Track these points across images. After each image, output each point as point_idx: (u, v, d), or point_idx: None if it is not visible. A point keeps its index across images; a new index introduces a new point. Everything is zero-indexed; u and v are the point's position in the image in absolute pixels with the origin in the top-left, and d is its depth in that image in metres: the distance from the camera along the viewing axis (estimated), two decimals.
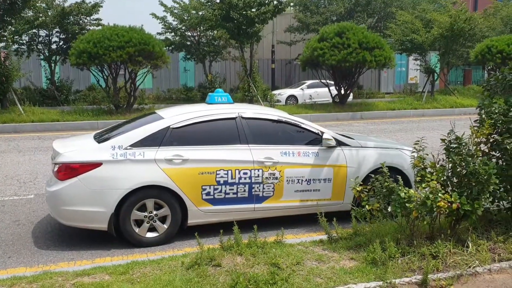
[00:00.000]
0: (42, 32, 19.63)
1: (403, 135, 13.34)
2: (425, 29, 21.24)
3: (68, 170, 5.00)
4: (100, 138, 5.54)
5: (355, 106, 19.48)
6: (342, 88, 19.38)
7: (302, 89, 23.78)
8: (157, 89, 23.99)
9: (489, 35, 23.50)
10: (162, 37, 23.24)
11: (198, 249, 4.44)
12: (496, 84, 5.02)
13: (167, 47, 22.33)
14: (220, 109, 5.82)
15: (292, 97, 23.35)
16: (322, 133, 5.84)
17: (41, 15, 18.63)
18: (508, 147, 4.53)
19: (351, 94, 20.76)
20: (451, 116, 17.72)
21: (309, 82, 24.39)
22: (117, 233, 5.17)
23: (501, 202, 4.86)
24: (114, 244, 5.25)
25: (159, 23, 23.20)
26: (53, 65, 19.87)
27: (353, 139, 6.16)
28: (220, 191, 5.35)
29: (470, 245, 4.43)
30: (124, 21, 47.16)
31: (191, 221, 5.35)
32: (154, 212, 5.20)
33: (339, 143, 5.87)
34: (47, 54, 19.75)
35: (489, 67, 21.31)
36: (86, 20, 20.01)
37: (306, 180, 5.65)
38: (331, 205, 5.81)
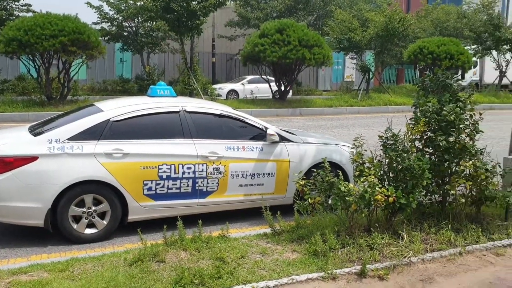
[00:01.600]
0: None
1: (340, 131, 13.75)
2: (361, 28, 21.94)
3: (1, 164, 4.73)
4: (36, 131, 5.29)
5: (295, 102, 19.82)
6: (282, 85, 19.63)
7: (243, 84, 23.84)
8: (92, 80, 23.08)
9: (421, 36, 24.69)
10: (98, 27, 22.44)
11: (140, 245, 4.36)
12: (430, 84, 5.30)
13: (103, 37, 21.58)
14: (162, 102, 5.73)
15: (233, 91, 23.35)
16: (266, 128, 5.90)
17: None
18: (440, 143, 4.81)
19: (291, 90, 21.08)
20: (385, 114, 18.50)
21: (250, 77, 24.48)
22: (54, 230, 4.97)
23: (433, 196, 5.16)
24: (51, 241, 5.04)
25: (95, 12, 22.41)
26: None
27: (295, 134, 6.30)
28: (163, 186, 5.27)
29: (404, 236, 4.66)
30: (57, 9, 44.93)
31: (132, 217, 5.24)
32: (93, 208, 5.04)
33: (282, 139, 5.96)
34: None
35: (421, 67, 22.39)
36: (14, 6, 18.86)
37: (250, 174, 5.69)
38: (274, 199, 5.90)
